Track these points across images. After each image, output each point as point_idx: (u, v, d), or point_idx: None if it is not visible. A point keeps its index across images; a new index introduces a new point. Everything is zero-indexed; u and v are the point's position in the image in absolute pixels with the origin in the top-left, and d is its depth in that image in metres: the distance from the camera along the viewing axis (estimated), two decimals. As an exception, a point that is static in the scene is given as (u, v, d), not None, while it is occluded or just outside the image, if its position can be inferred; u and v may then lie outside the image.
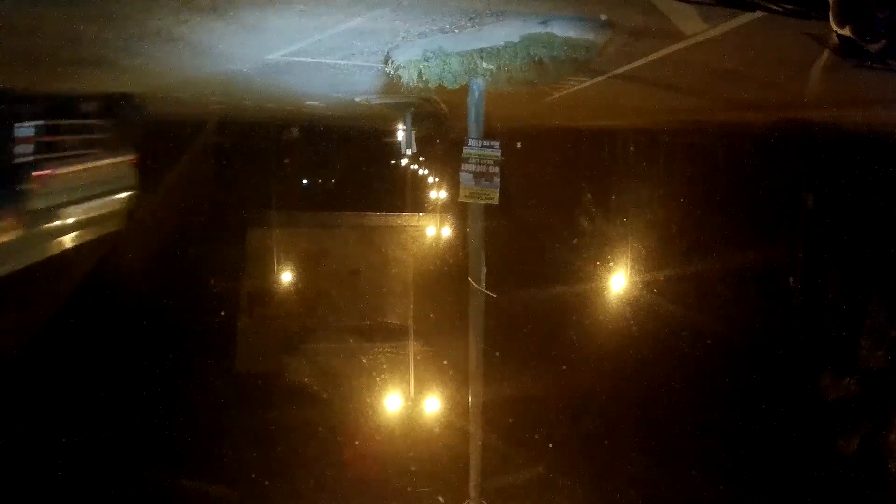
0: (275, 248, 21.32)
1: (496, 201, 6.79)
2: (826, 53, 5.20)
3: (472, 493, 8.63)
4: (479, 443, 8.41)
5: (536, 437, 13.13)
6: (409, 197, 26.53)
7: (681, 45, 5.97)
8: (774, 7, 4.29)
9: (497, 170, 6.64)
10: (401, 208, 25.19)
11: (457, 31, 5.62)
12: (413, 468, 12.84)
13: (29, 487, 10.87)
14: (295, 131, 25.71)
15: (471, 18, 5.36)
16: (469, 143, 6.63)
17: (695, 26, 5.40)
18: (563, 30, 5.30)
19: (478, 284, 7.25)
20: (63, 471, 11.41)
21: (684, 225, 17.57)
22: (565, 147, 23.48)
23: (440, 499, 11.63)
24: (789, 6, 4.23)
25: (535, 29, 5.36)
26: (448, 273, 18.78)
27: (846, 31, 3.79)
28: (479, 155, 6.63)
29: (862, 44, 3.85)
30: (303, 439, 13.33)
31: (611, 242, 19.75)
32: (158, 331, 15.22)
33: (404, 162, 26.16)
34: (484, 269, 7.24)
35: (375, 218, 24.11)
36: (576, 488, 12.28)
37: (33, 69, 7.59)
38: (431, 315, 17.86)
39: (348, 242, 22.73)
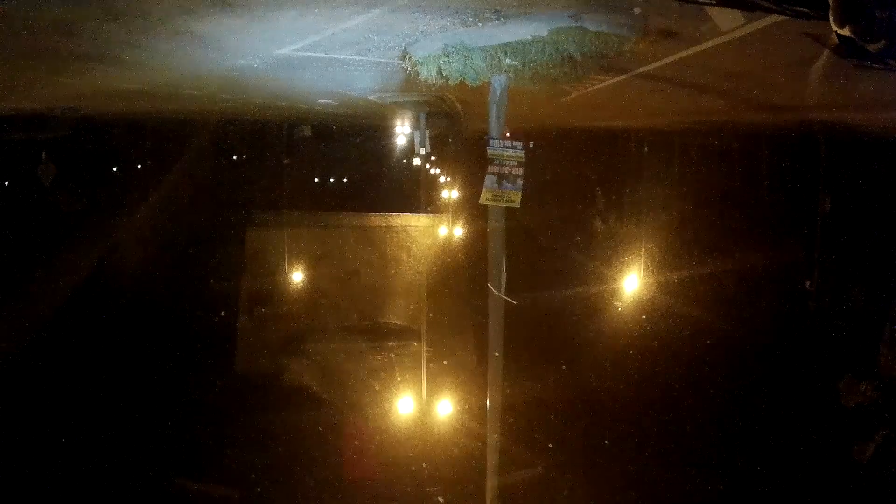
0: (286, 249, 21.23)
1: (518, 204, 6.52)
2: (826, 53, 5.27)
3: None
4: (497, 448, 8.24)
5: (553, 444, 12.94)
6: (421, 197, 26.42)
7: (713, 42, 5.76)
8: (774, 7, 4.33)
9: (520, 171, 6.37)
10: (412, 208, 25.06)
11: (480, 24, 5.35)
12: (417, 468, 12.71)
13: (28, 487, 10.78)
14: (307, 130, 25.58)
15: (496, 11, 5.09)
16: (491, 144, 6.34)
17: (732, 21, 5.16)
18: (595, 24, 5.02)
19: (498, 290, 6.97)
20: (62, 471, 11.31)
21: (703, 228, 17.42)
22: (579, 147, 23.33)
23: (440, 499, 11.54)
24: (790, 6, 4.26)
25: (565, 23, 5.08)
26: (463, 275, 18.63)
27: (846, 31, 3.81)
28: (502, 156, 6.34)
29: (862, 44, 3.88)
30: (306, 440, 13.21)
31: (625, 245, 19.62)
32: (159, 330, 15.12)
33: (417, 161, 25.99)
34: (504, 275, 6.96)
35: (387, 218, 23.98)
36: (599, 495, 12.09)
37: (33, 66, 7.37)
38: (445, 318, 17.70)
39: (360, 243, 22.60)
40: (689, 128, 17.39)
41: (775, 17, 4.66)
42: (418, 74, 6.20)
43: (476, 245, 19.21)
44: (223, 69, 7.88)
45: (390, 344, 17.92)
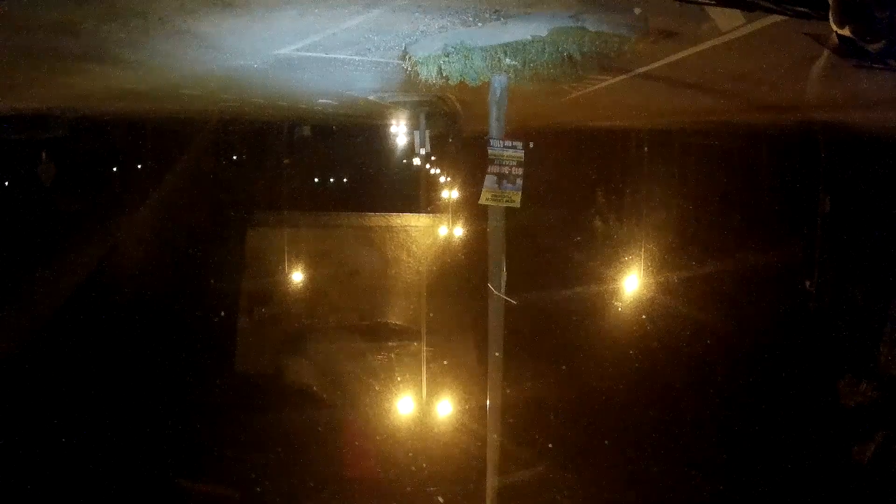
0: (286, 249, 21.18)
1: (518, 204, 6.54)
2: (826, 53, 5.22)
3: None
4: (497, 448, 8.25)
5: (553, 444, 12.91)
6: (421, 197, 26.36)
7: (713, 42, 5.74)
8: (775, 7, 4.32)
9: (520, 171, 6.39)
10: (412, 208, 24.99)
11: (480, 24, 5.33)
12: (417, 468, 12.69)
13: (28, 487, 10.76)
14: (307, 130, 25.57)
15: (496, 11, 5.08)
16: (491, 144, 6.35)
17: (732, 21, 5.15)
18: (595, 24, 5.01)
19: (498, 291, 6.97)
20: (62, 471, 11.29)
21: (703, 228, 17.36)
22: (579, 147, 23.28)
23: (440, 499, 11.52)
24: (790, 6, 4.24)
25: (565, 23, 5.07)
26: (463, 275, 18.58)
27: (846, 32, 3.80)
28: (502, 156, 6.35)
29: (862, 44, 3.87)
30: (306, 440, 13.19)
31: (625, 245, 19.56)
32: (159, 330, 15.08)
33: (417, 161, 25.94)
34: (504, 275, 6.97)
35: (387, 218, 23.93)
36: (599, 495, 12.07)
37: (33, 66, 7.35)
38: (445, 318, 17.67)
39: (360, 243, 22.55)
40: (689, 128, 17.35)
41: (775, 17, 4.64)
42: (418, 74, 6.19)
43: (476, 245, 19.16)
44: (223, 69, 7.85)
45: (390, 344, 17.88)
